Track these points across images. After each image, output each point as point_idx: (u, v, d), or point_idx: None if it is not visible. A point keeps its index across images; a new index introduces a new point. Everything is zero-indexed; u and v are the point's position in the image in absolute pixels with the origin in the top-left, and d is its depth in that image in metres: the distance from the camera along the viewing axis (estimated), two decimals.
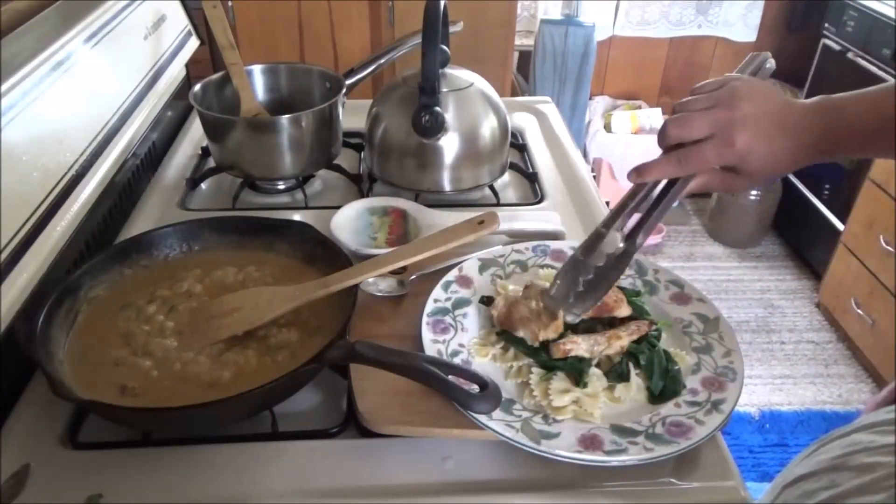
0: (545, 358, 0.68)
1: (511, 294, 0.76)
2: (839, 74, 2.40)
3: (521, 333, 0.69)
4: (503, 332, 0.71)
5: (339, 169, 1.09)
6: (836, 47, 2.38)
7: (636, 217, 0.66)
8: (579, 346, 0.67)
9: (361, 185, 1.07)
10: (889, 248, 2.03)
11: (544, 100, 1.38)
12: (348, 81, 1.07)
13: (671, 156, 0.63)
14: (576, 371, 0.66)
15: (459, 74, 1.02)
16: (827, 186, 2.48)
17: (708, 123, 0.61)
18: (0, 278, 0.64)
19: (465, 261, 0.83)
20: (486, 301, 0.77)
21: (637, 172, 0.64)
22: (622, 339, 0.68)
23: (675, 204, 0.64)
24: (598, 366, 0.68)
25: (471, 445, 0.64)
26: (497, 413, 0.61)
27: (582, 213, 1.00)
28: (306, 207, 1.02)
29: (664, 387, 0.66)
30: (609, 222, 0.65)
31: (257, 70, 1.11)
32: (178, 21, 1.21)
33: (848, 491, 0.56)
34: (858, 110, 0.62)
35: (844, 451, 0.60)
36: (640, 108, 2.86)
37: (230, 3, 1.99)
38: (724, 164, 0.63)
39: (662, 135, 0.63)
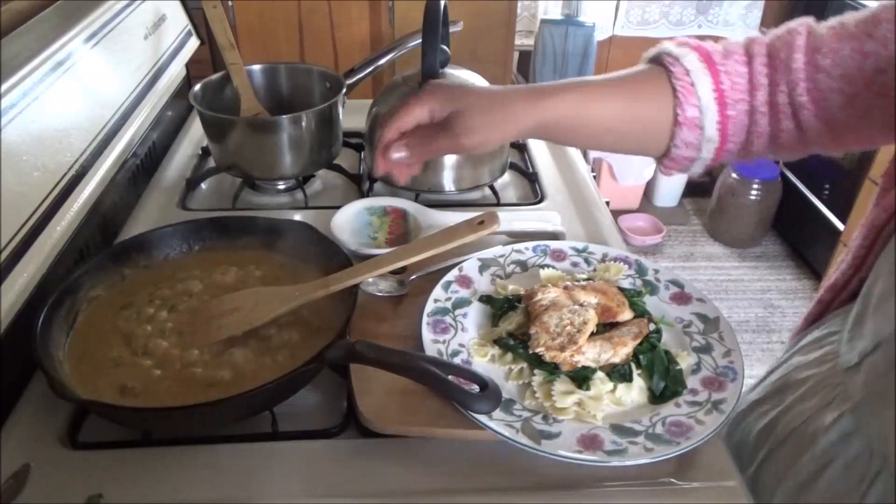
0: (550, 366, 0.67)
1: (563, 295, 0.72)
2: None
3: (532, 330, 0.69)
4: (500, 340, 0.71)
5: (339, 169, 1.09)
6: None
7: None
8: (586, 356, 0.67)
9: (361, 185, 1.07)
10: None
11: None
12: (348, 81, 1.07)
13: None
14: (580, 377, 0.66)
15: (459, 74, 1.02)
16: (827, 186, 2.47)
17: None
18: (0, 278, 0.64)
19: (465, 261, 0.83)
20: (486, 300, 0.77)
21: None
22: (627, 347, 0.68)
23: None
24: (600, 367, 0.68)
25: (471, 445, 0.63)
26: (497, 413, 0.61)
27: (582, 213, 1.00)
28: (306, 207, 1.02)
29: (665, 387, 0.66)
30: None
31: (257, 70, 1.11)
32: (178, 21, 1.21)
33: (791, 403, 0.66)
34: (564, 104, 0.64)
35: (785, 373, 0.70)
36: None
37: (230, 3, 1.99)
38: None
39: None
